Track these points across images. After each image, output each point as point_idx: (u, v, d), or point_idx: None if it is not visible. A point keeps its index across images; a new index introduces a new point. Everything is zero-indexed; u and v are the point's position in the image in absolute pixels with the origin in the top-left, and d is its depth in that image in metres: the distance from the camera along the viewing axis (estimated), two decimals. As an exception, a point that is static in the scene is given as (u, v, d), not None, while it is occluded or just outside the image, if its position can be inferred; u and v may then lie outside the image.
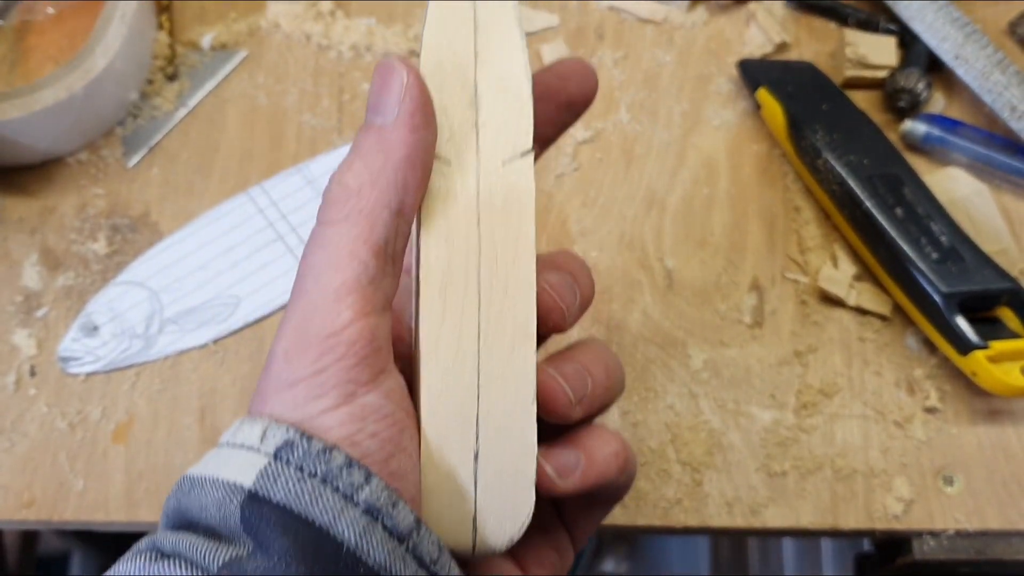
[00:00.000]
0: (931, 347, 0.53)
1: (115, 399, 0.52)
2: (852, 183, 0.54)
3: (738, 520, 0.49)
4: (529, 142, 0.32)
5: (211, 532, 0.29)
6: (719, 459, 0.51)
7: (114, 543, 0.96)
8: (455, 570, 0.30)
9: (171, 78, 0.61)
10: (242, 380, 0.52)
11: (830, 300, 0.54)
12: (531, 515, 0.32)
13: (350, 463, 0.28)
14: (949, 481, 0.50)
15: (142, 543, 0.30)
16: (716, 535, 0.79)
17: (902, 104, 0.59)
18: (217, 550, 0.28)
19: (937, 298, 0.50)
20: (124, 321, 0.53)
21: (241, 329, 0.54)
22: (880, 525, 0.49)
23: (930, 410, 0.52)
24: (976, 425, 0.51)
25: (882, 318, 0.54)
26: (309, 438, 0.28)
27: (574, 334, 0.54)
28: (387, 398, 0.30)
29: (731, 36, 0.63)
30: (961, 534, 0.49)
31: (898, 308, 0.54)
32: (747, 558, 0.91)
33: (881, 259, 0.53)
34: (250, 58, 0.62)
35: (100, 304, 0.54)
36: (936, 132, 0.57)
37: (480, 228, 0.32)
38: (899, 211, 0.53)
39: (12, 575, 0.79)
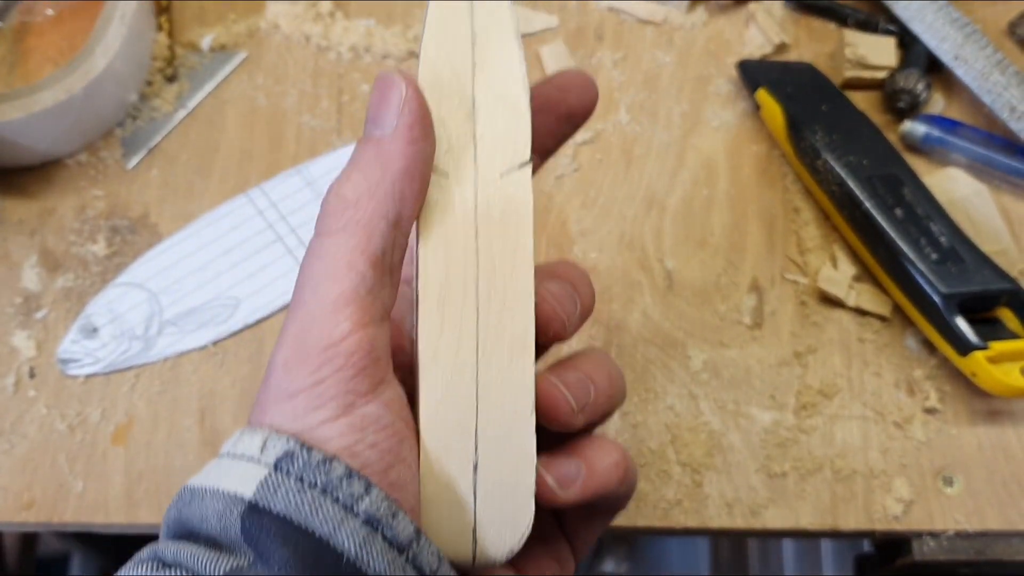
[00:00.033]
0: (931, 348, 0.53)
1: (115, 401, 0.52)
2: (851, 184, 0.54)
3: (738, 521, 0.49)
4: (527, 154, 0.32)
5: (212, 542, 0.29)
6: (719, 460, 0.51)
7: (114, 545, 0.96)
8: None
9: (170, 79, 0.61)
10: (242, 382, 0.52)
11: (830, 301, 0.54)
12: (531, 526, 0.32)
13: (350, 474, 0.28)
14: (949, 482, 0.50)
15: (144, 552, 0.30)
16: (716, 536, 0.79)
17: (901, 105, 0.59)
18: (218, 560, 0.28)
19: (937, 299, 0.50)
20: (124, 323, 0.53)
21: (241, 331, 0.54)
22: (880, 526, 0.49)
23: (930, 411, 0.52)
24: (976, 426, 0.51)
25: (882, 319, 0.54)
26: (309, 449, 0.28)
27: (575, 341, 0.54)
28: (386, 408, 0.30)
29: (731, 37, 0.63)
30: (961, 535, 0.49)
31: (898, 309, 0.54)
32: (747, 559, 0.91)
33: (881, 260, 0.53)
34: (249, 59, 0.62)
35: (99, 306, 0.54)
36: (935, 133, 0.58)
37: (478, 240, 0.32)
38: (899, 212, 0.53)
39: (12, 576, 0.79)
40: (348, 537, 0.28)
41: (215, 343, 0.53)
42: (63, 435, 0.51)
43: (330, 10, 0.63)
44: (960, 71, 0.58)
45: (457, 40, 0.32)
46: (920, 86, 0.58)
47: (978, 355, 0.49)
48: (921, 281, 0.51)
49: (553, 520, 0.36)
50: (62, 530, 0.50)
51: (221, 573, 0.27)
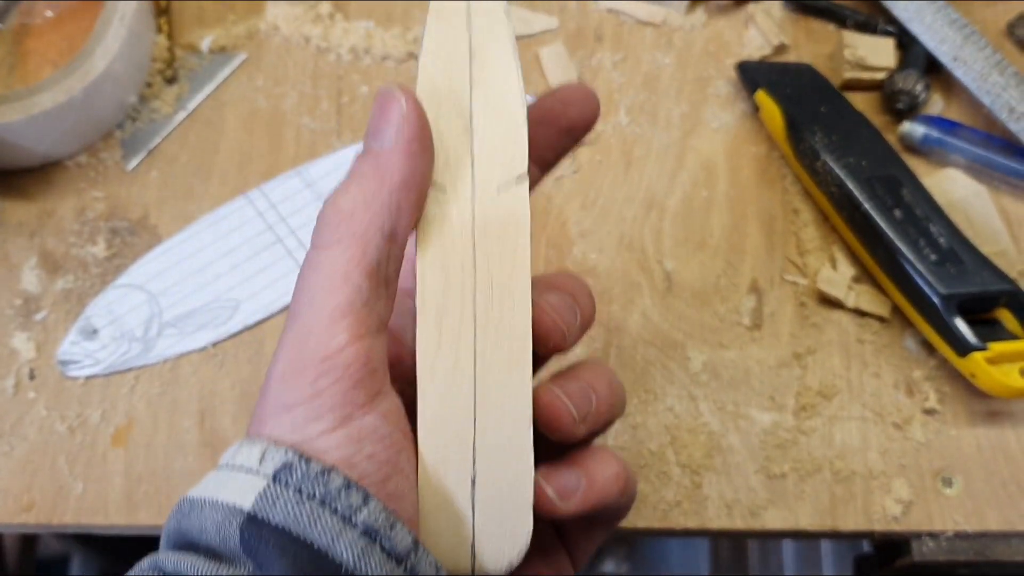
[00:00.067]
0: (930, 349, 0.53)
1: (114, 402, 0.52)
2: (851, 185, 0.54)
3: (737, 522, 0.49)
4: (524, 168, 0.32)
5: (212, 553, 0.29)
6: (718, 461, 0.51)
7: (113, 546, 0.96)
8: None
9: (170, 81, 0.61)
10: (241, 383, 0.52)
11: (829, 302, 0.54)
12: (529, 540, 0.32)
13: (348, 485, 0.28)
14: (948, 482, 0.50)
15: (144, 562, 0.30)
16: (716, 537, 0.79)
17: (900, 106, 0.59)
18: (218, 571, 0.28)
19: (936, 300, 0.50)
20: (123, 324, 0.53)
21: (240, 332, 0.54)
22: (879, 527, 0.49)
23: (929, 412, 0.52)
24: (975, 426, 0.51)
25: (881, 320, 0.54)
26: (307, 460, 0.28)
27: (576, 350, 0.54)
28: (384, 420, 0.30)
29: (730, 38, 0.63)
30: (960, 535, 0.49)
31: (897, 310, 0.54)
32: (747, 559, 0.91)
33: (880, 261, 0.53)
34: (249, 61, 0.62)
35: (99, 307, 0.54)
36: (934, 134, 0.58)
37: (476, 255, 0.32)
38: (898, 213, 0.53)
39: (12, 577, 0.79)
40: (347, 548, 0.28)
41: (215, 345, 0.53)
42: (63, 437, 0.51)
43: (330, 12, 0.63)
44: (959, 72, 0.58)
45: (455, 55, 0.33)
46: (919, 87, 0.58)
47: (977, 356, 0.49)
48: (920, 282, 0.51)
49: (552, 530, 0.36)
50: (62, 531, 0.50)
51: None
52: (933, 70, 0.60)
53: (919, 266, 0.51)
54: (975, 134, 0.58)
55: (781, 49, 0.62)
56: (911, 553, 0.49)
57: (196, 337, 0.53)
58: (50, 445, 0.51)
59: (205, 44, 0.62)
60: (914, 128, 0.58)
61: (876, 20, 0.62)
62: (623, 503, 0.35)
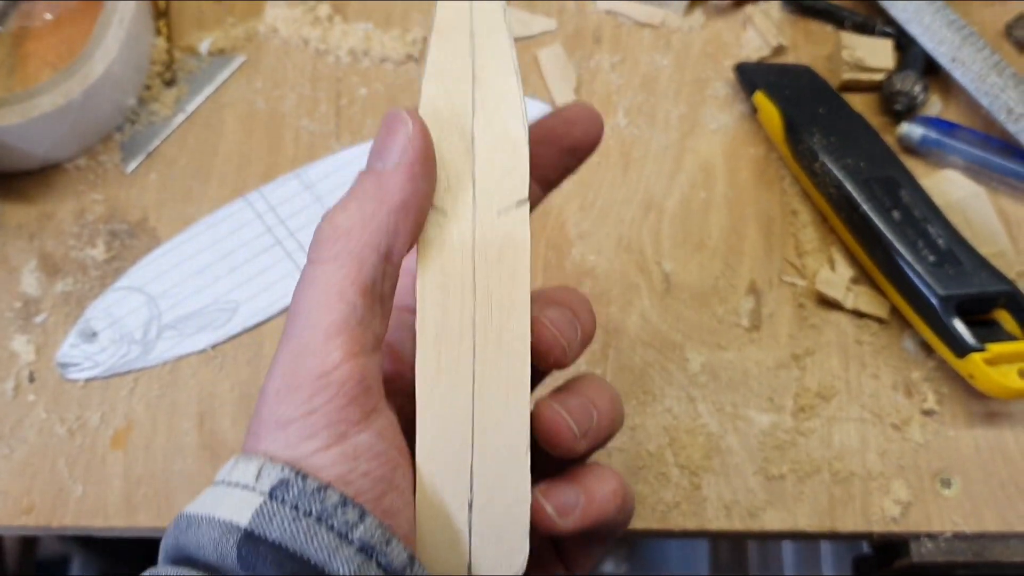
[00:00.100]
0: (928, 350, 0.53)
1: (114, 405, 0.52)
2: (849, 186, 0.54)
3: (736, 523, 0.49)
4: (525, 192, 0.32)
5: (210, 569, 0.29)
6: (717, 462, 0.51)
7: (113, 547, 0.96)
8: None
9: (169, 83, 0.61)
10: (241, 385, 0.53)
11: (827, 303, 0.54)
12: (525, 565, 0.32)
13: (344, 501, 0.29)
14: (947, 483, 0.50)
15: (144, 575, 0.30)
16: (715, 538, 0.79)
17: (899, 107, 0.59)
18: None
19: (934, 301, 0.50)
20: (122, 327, 0.53)
21: (239, 334, 0.54)
22: (878, 528, 0.49)
23: (927, 412, 0.52)
24: (973, 427, 0.52)
25: (879, 321, 0.54)
26: (304, 477, 0.29)
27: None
28: (379, 437, 0.30)
29: (728, 39, 0.63)
30: (959, 536, 0.49)
31: (895, 311, 0.54)
32: (746, 560, 0.91)
33: (878, 262, 0.53)
34: (248, 63, 0.62)
35: (98, 310, 0.54)
36: (933, 135, 0.58)
37: (476, 278, 0.32)
38: (896, 214, 0.53)
39: (12, 579, 0.79)
40: (343, 564, 0.28)
41: (214, 347, 0.53)
42: (62, 439, 0.51)
43: (328, 14, 0.63)
44: (957, 73, 0.58)
45: (458, 78, 0.33)
46: (917, 88, 0.58)
47: (975, 357, 0.49)
48: (918, 283, 0.51)
49: (550, 546, 0.36)
50: (61, 534, 0.50)
51: None
52: (931, 71, 0.60)
53: (917, 267, 0.51)
54: (973, 135, 0.58)
55: (779, 50, 0.62)
56: (910, 554, 0.49)
57: (195, 339, 0.53)
58: (50, 447, 0.51)
59: (204, 46, 0.62)
60: (912, 129, 0.58)
61: (874, 21, 0.62)
62: (621, 519, 0.35)
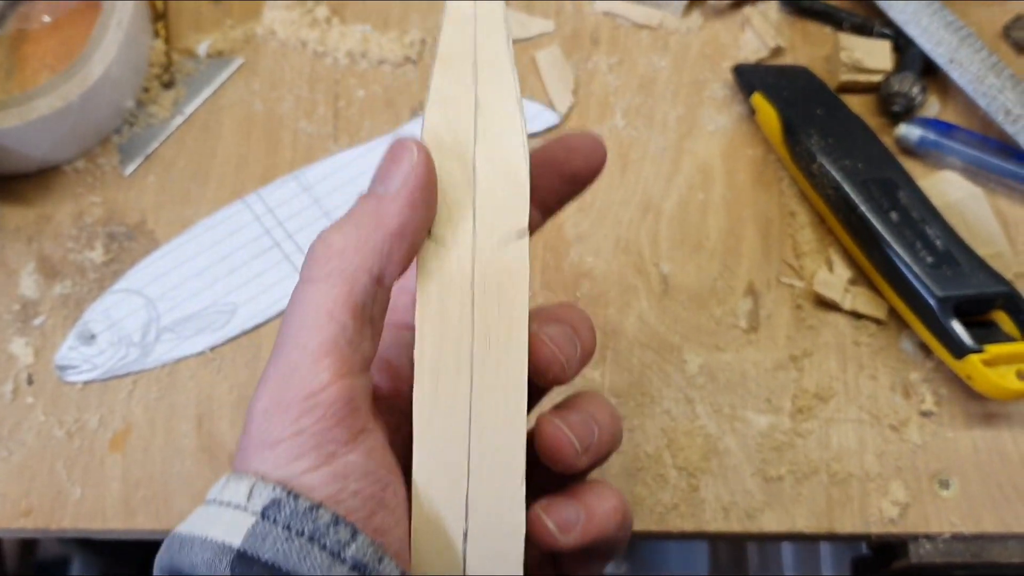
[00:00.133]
0: (926, 351, 0.53)
1: (112, 407, 0.52)
2: (847, 188, 0.54)
3: (734, 525, 0.49)
4: (524, 223, 0.33)
5: None
6: (715, 464, 0.51)
7: (113, 549, 0.96)
8: None
9: (167, 86, 0.61)
10: (239, 388, 0.53)
11: (825, 304, 0.54)
12: None
13: (336, 520, 0.29)
14: (945, 484, 0.50)
15: None
16: (713, 539, 0.79)
17: (897, 108, 0.59)
18: None
19: (932, 302, 0.50)
20: (121, 329, 0.53)
21: (238, 336, 0.54)
22: (876, 529, 0.49)
23: (925, 414, 0.52)
24: (971, 428, 0.52)
25: (877, 322, 0.54)
26: (296, 496, 0.29)
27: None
28: (368, 456, 0.30)
29: (726, 41, 0.63)
30: (957, 537, 0.49)
31: (893, 312, 0.54)
32: (746, 560, 0.91)
33: (876, 263, 0.53)
34: (246, 65, 0.62)
35: (97, 312, 0.54)
36: (931, 136, 0.58)
37: (474, 309, 0.32)
38: (894, 215, 0.53)
39: (11, 581, 0.79)
40: None
41: (212, 349, 0.53)
42: (61, 442, 0.51)
43: (326, 16, 0.63)
44: (955, 74, 0.58)
45: (460, 108, 0.33)
46: (915, 89, 0.58)
47: (973, 358, 0.49)
48: (916, 284, 0.51)
49: (549, 561, 0.36)
50: (60, 536, 0.50)
51: None
52: (929, 72, 0.60)
53: (915, 268, 0.51)
54: (971, 136, 0.58)
55: (777, 52, 0.62)
56: (908, 555, 0.49)
57: (194, 342, 0.53)
58: (48, 450, 0.51)
59: (202, 49, 0.62)
60: (910, 130, 0.58)
61: (872, 22, 0.62)
62: (621, 536, 0.35)
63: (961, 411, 0.52)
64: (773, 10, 0.63)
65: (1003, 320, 0.52)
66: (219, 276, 0.55)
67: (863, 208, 0.53)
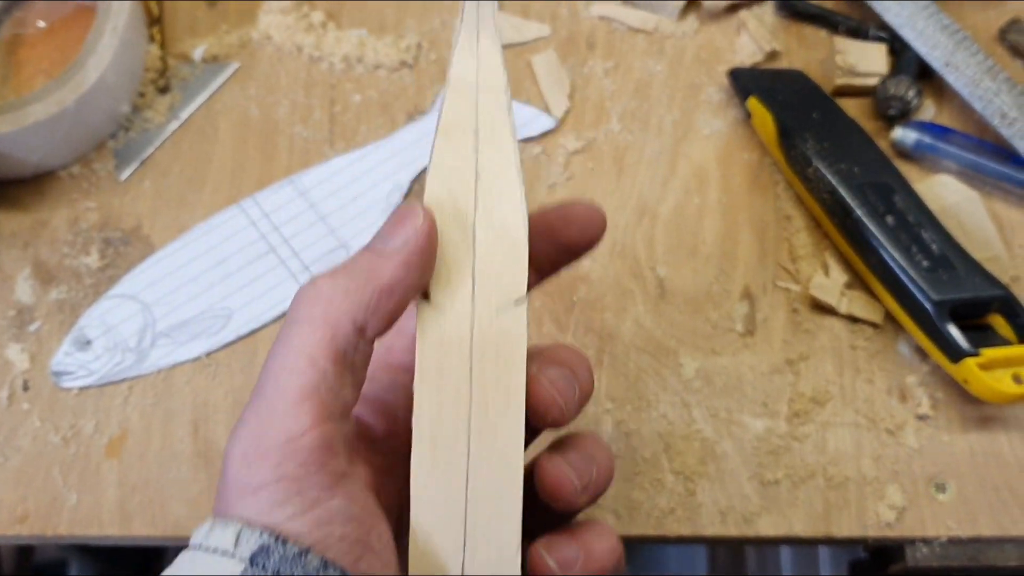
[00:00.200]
0: (923, 354, 0.53)
1: (108, 413, 0.52)
2: (843, 191, 0.54)
3: (731, 529, 0.49)
4: (523, 290, 0.33)
5: None
6: (712, 468, 0.51)
7: (110, 553, 0.96)
8: None
9: (163, 91, 0.61)
10: (235, 393, 0.52)
11: (821, 308, 0.54)
12: None
13: (325, 565, 0.29)
14: (941, 488, 0.50)
15: None
16: (711, 544, 0.79)
17: (892, 111, 0.59)
18: None
19: (928, 306, 0.50)
20: (117, 335, 0.53)
21: (234, 342, 0.54)
22: (873, 533, 0.49)
23: (922, 417, 0.52)
24: (968, 432, 0.52)
25: (873, 326, 0.54)
26: (284, 542, 0.29)
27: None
28: (351, 501, 0.30)
29: (722, 45, 0.63)
30: (954, 541, 0.49)
31: (889, 316, 0.54)
32: (744, 561, 0.91)
33: (872, 267, 0.53)
34: (242, 70, 0.62)
35: (93, 318, 0.54)
36: (926, 139, 0.58)
37: (472, 377, 0.32)
38: (890, 219, 0.53)
39: (8, 585, 0.79)
40: None
41: (208, 354, 0.53)
42: (57, 448, 0.51)
43: (322, 20, 0.63)
44: (951, 77, 0.58)
45: (461, 175, 0.34)
46: (911, 93, 0.58)
47: (970, 362, 0.49)
48: (912, 288, 0.51)
49: None
50: (56, 542, 0.50)
51: None
52: (925, 76, 0.60)
53: (911, 272, 0.51)
54: (967, 140, 0.58)
55: (773, 55, 0.62)
56: (904, 559, 0.49)
57: (189, 347, 0.53)
58: (44, 456, 0.51)
59: (198, 53, 0.62)
60: (906, 134, 0.58)
61: (868, 26, 0.62)
62: (615, 574, 0.35)
63: (957, 415, 0.52)
64: (768, 14, 0.63)
65: (999, 324, 0.52)
66: (214, 281, 0.55)
67: (859, 212, 0.53)
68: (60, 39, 0.57)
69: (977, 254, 0.53)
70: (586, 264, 0.56)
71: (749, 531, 0.49)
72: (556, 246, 0.37)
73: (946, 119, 0.60)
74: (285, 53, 0.62)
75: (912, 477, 0.50)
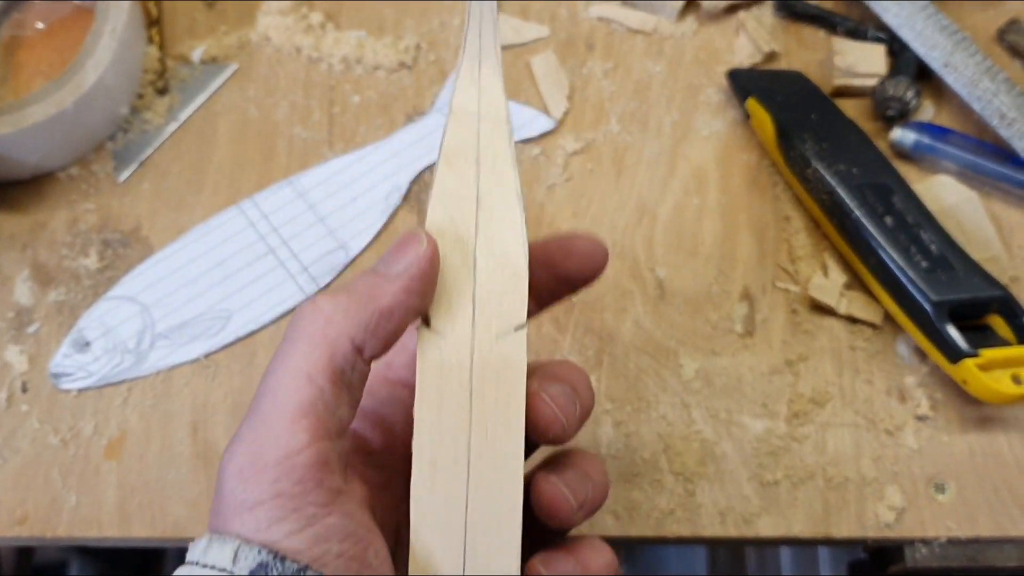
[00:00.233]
0: (922, 355, 0.53)
1: (107, 415, 0.52)
2: (841, 192, 0.54)
3: (731, 530, 0.49)
4: (523, 317, 0.33)
5: None
6: (711, 469, 0.51)
7: (110, 553, 0.96)
8: None
9: (161, 92, 0.61)
10: (234, 394, 0.52)
11: (821, 309, 0.54)
12: None
13: None
14: (941, 489, 0.50)
15: None
16: (710, 544, 0.79)
17: (891, 112, 0.59)
18: None
19: (927, 306, 0.50)
20: (115, 336, 0.53)
21: (233, 343, 0.54)
22: (872, 533, 0.49)
23: (921, 418, 0.52)
24: (967, 433, 0.52)
25: (873, 326, 0.54)
26: (283, 559, 0.29)
27: (570, 359, 0.54)
28: (348, 518, 0.31)
29: (720, 46, 0.63)
30: (953, 541, 0.49)
31: (888, 317, 0.54)
32: (744, 561, 0.91)
33: (871, 268, 0.53)
34: (240, 71, 0.62)
35: (91, 319, 0.54)
36: (925, 140, 0.58)
37: (472, 402, 0.33)
38: (888, 220, 0.53)
39: (8, 586, 0.79)
40: None
41: (207, 356, 0.53)
42: (56, 449, 0.51)
43: (321, 21, 0.63)
44: (950, 78, 0.58)
45: (463, 203, 0.34)
46: (910, 93, 0.58)
47: (969, 362, 0.49)
48: (911, 289, 0.51)
49: None
50: (56, 544, 0.50)
51: None
52: (924, 76, 0.60)
53: (910, 273, 0.51)
54: (966, 140, 0.58)
55: (772, 56, 0.62)
56: (904, 559, 0.49)
57: (189, 348, 0.53)
58: (43, 458, 0.51)
59: (196, 55, 0.62)
60: (905, 134, 0.58)
61: (866, 27, 0.62)
62: None
63: (957, 415, 0.52)
64: (767, 15, 0.63)
65: (998, 324, 0.52)
66: (214, 283, 0.55)
67: (858, 213, 0.53)
68: (59, 41, 0.57)
69: (976, 255, 0.53)
70: (585, 265, 0.56)
71: (749, 532, 0.49)
72: (555, 277, 0.38)
73: (945, 120, 0.60)
74: (284, 54, 0.62)
75: (911, 478, 0.50)
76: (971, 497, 0.50)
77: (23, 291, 0.55)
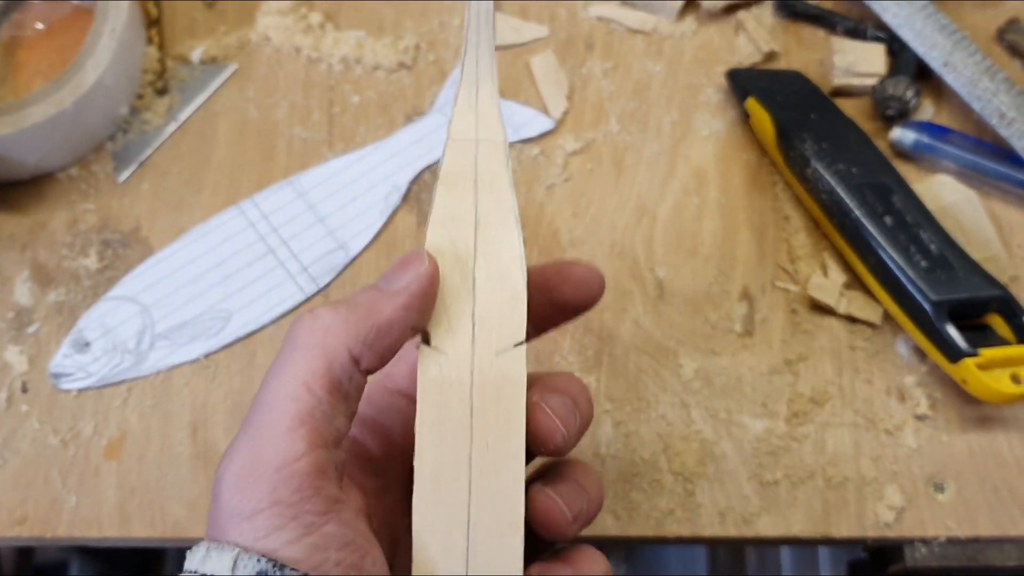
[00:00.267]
0: (921, 355, 0.53)
1: (107, 415, 0.52)
2: (841, 192, 0.54)
3: (731, 530, 0.49)
4: (522, 334, 0.34)
5: None
6: (711, 469, 0.51)
7: (111, 553, 0.96)
8: None
9: (161, 92, 0.61)
10: (234, 395, 0.53)
11: (820, 308, 0.54)
12: None
13: None
14: (940, 488, 0.50)
15: None
16: (710, 544, 0.79)
17: (891, 112, 0.59)
18: None
19: (927, 306, 0.50)
20: (115, 336, 0.53)
21: (232, 343, 0.54)
22: (872, 533, 0.49)
23: (921, 417, 0.52)
24: (967, 432, 0.52)
25: (872, 326, 0.54)
26: (282, 567, 0.29)
27: (569, 358, 0.54)
28: (345, 527, 0.31)
29: (720, 46, 0.63)
30: (952, 541, 0.49)
31: (888, 316, 0.54)
32: (745, 560, 0.91)
33: (871, 267, 0.53)
34: (240, 71, 0.62)
35: (91, 320, 0.54)
36: (925, 139, 0.58)
37: (472, 419, 0.33)
38: (888, 219, 0.53)
39: (8, 587, 0.79)
40: None
41: (207, 356, 0.53)
42: (56, 450, 0.51)
43: (320, 22, 0.63)
44: (949, 77, 0.58)
45: (462, 225, 0.35)
46: (909, 93, 0.58)
47: (968, 362, 0.49)
48: (911, 288, 0.51)
49: None
50: (55, 544, 0.50)
51: None
52: (923, 76, 0.60)
53: (910, 272, 0.51)
54: (965, 139, 0.58)
55: (771, 56, 0.62)
56: (904, 559, 0.50)
57: (188, 348, 0.53)
58: (43, 458, 0.51)
59: (196, 55, 0.62)
60: (904, 134, 0.58)
61: (866, 26, 0.62)
62: None
63: (956, 415, 0.52)
64: (767, 14, 0.63)
65: (997, 323, 0.52)
66: (213, 283, 0.55)
67: (857, 212, 0.53)
68: (58, 41, 0.57)
69: (976, 254, 0.53)
70: (585, 265, 0.56)
71: (748, 532, 0.49)
72: (552, 303, 0.38)
73: (944, 119, 0.60)
74: (283, 54, 0.62)
75: (911, 477, 0.50)
76: (971, 497, 0.50)
77: (23, 291, 0.55)
